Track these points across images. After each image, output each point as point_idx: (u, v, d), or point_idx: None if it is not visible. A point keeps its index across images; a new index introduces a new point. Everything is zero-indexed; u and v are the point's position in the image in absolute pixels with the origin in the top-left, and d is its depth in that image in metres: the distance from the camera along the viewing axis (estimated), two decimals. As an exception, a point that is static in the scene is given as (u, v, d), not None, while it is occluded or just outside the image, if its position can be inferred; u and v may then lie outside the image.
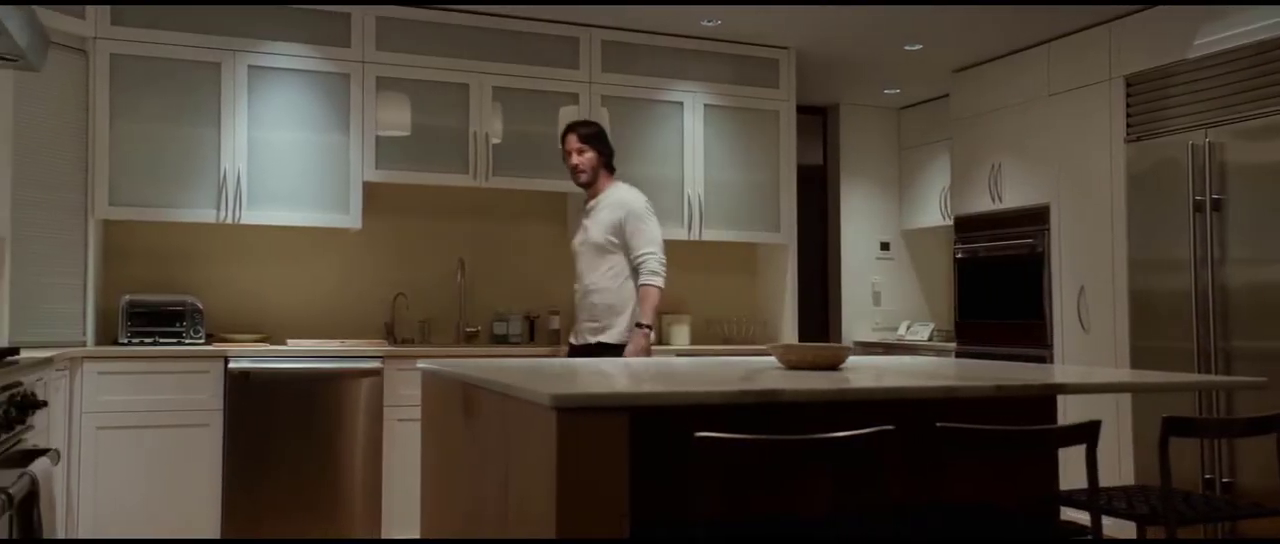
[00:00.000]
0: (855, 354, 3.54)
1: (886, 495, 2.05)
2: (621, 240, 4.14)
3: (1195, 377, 3.43)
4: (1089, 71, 5.07)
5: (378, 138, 4.76)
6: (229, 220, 4.52)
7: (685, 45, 5.32)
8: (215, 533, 4.23)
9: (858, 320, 6.76)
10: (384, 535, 4.43)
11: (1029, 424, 2.79)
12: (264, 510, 4.30)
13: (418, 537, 4.42)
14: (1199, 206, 4.41)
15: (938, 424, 2.11)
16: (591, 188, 4.26)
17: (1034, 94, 5.43)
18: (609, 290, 4.15)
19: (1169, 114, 4.63)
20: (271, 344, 4.59)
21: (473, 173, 4.90)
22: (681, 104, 5.30)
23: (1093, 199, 5.03)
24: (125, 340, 4.34)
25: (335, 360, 4.42)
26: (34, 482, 2.38)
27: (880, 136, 6.95)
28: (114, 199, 4.39)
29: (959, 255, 5.89)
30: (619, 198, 4.20)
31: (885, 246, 6.89)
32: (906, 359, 3.60)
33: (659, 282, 4.12)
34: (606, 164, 4.26)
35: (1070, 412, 4.62)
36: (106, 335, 4.53)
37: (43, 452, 2.69)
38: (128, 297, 4.41)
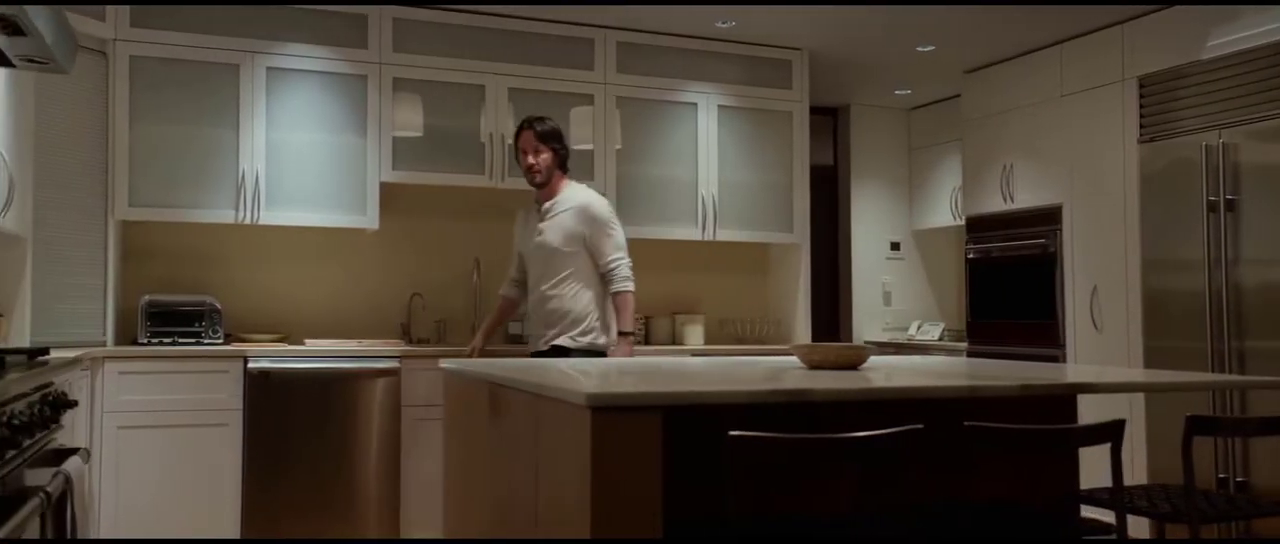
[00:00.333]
0: (873, 354, 3.56)
1: (910, 494, 2.07)
2: (583, 246, 3.97)
3: (1216, 376, 3.44)
4: (1102, 72, 5.09)
5: (394, 139, 4.78)
6: (247, 221, 4.55)
7: (699, 46, 5.35)
8: (235, 532, 4.25)
9: (868, 320, 6.78)
10: (402, 535, 4.46)
11: (1048, 424, 2.81)
12: (283, 509, 4.32)
13: (437, 536, 4.46)
14: (1212, 207, 4.43)
15: (966, 423, 2.13)
16: (545, 188, 4.04)
17: (1046, 95, 5.45)
18: (566, 296, 3.96)
19: (1182, 115, 4.65)
20: (289, 344, 4.62)
21: (488, 173, 4.92)
22: (695, 105, 5.33)
23: (1106, 199, 5.05)
24: (145, 340, 4.36)
25: (353, 360, 4.45)
26: (68, 481, 2.40)
27: (890, 137, 6.97)
28: (134, 200, 4.42)
29: (971, 255, 5.91)
30: (579, 201, 3.99)
31: (895, 247, 6.91)
32: (922, 359, 3.62)
33: (632, 286, 4.01)
34: (562, 164, 4.04)
35: (1086, 412, 4.63)
36: (126, 335, 4.56)
37: (73, 451, 2.71)
38: (147, 297, 4.44)
